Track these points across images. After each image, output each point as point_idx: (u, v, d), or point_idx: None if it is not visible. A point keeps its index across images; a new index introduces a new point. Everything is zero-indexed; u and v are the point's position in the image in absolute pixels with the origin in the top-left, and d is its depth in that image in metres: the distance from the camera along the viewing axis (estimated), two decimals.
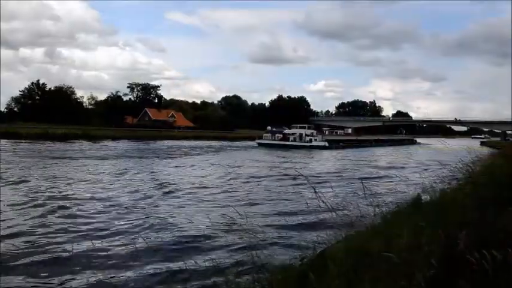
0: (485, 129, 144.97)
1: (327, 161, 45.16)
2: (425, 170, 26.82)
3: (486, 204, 5.69)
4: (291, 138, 71.87)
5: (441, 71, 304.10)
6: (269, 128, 77.99)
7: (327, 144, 70.51)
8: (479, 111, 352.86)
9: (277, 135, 73.06)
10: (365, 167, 38.68)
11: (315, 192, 6.12)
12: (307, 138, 71.43)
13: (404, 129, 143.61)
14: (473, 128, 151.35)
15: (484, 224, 4.66)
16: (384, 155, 58.00)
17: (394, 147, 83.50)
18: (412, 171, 31.81)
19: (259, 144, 70.20)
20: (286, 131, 74.80)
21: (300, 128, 75.82)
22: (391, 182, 24.26)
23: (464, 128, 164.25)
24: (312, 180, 26.35)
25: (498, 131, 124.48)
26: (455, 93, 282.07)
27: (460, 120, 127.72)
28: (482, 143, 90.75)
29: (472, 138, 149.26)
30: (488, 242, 3.82)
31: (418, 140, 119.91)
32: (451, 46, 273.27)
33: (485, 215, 5.06)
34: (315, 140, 71.72)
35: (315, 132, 76.11)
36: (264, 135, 74.43)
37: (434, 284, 3.28)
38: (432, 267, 3.41)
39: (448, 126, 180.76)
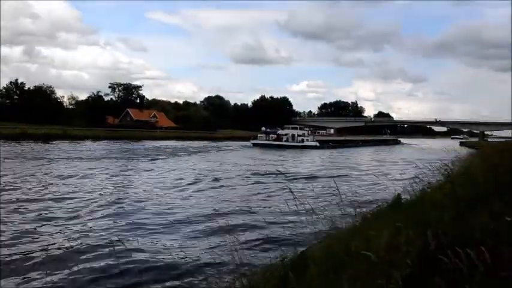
0: (464, 130, 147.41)
1: (317, 160, 46.32)
2: (408, 169, 27.21)
3: (464, 204, 5.79)
4: (284, 138, 74.79)
5: (422, 72, 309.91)
6: (263, 128, 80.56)
7: (317, 144, 73.78)
8: (459, 112, 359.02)
9: (271, 135, 75.92)
10: (352, 165, 39.97)
11: (291, 192, 6.16)
12: (299, 138, 74.61)
13: (389, 130, 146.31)
14: (453, 129, 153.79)
15: (461, 223, 4.74)
16: (370, 155, 60.29)
17: (379, 147, 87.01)
18: (396, 170, 32.53)
19: (254, 145, 72.27)
20: (280, 132, 77.39)
21: (292, 128, 79.49)
22: (375, 181, 24.53)
23: (444, 129, 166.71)
24: (300, 178, 27.07)
25: (477, 131, 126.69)
26: (436, 94, 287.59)
27: (440, 120, 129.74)
28: (461, 143, 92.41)
29: (452, 138, 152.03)
30: (465, 241, 3.89)
31: (402, 140, 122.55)
32: (431, 48, 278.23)
33: (463, 215, 5.15)
34: (307, 140, 74.98)
35: (306, 132, 79.62)
36: (259, 135, 76.76)
37: (411, 283, 3.33)
38: (409, 266, 3.46)
39: (428, 126, 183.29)
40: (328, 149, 71.80)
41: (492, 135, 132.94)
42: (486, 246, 3.39)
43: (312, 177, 27.94)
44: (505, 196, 6.10)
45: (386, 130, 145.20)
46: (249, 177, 26.88)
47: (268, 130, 79.17)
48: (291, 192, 6.29)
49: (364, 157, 54.89)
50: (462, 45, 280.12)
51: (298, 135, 75.33)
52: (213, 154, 50.28)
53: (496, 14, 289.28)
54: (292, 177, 27.65)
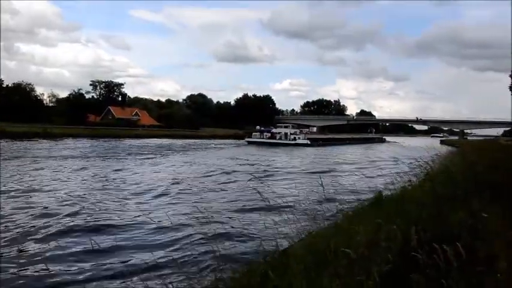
0: (444, 128, 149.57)
1: (308, 157, 47.33)
2: (392, 165, 27.70)
3: (443, 201, 5.88)
4: (278, 136, 79.31)
5: (403, 72, 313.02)
6: (258, 127, 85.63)
7: (308, 142, 77.27)
8: (440, 110, 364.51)
9: (265, 134, 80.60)
10: (340, 162, 41.22)
11: (259, 193, 6.15)
12: (292, 136, 79.02)
13: (374, 129, 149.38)
14: (433, 127, 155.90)
15: (441, 220, 4.81)
16: (358, 152, 62.37)
17: (366, 145, 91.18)
18: (381, 166, 33.34)
19: (249, 143, 75.86)
20: (274, 130, 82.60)
21: (285, 127, 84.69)
22: (360, 177, 24.84)
23: (425, 127, 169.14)
24: (288, 174, 27.46)
25: (457, 129, 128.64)
26: (417, 93, 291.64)
27: (421, 119, 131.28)
28: (442, 142, 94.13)
29: (432, 136, 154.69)
30: (443, 238, 3.94)
31: (386, 138, 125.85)
32: (412, 47, 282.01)
33: (442, 212, 5.22)
34: (299, 138, 78.99)
35: (298, 131, 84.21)
36: (253, 134, 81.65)
37: (390, 278, 3.36)
38: (389, 262, 3.49)
39: (410, 125, 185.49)
40: (319, 146, 74.78)
41: (472, 133, 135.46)
42: (463, 243, 3.44)
43: (299, 174, 28.44)
44: (483, 193, 6.22)
45: (371, 129, 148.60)
46: (238, 173, 26.98)
47: (262, 129, 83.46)
48: (260, 193, 6.29)
49: (352, 154, 56.20)
50: (443, 45, 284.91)
51: (291, 134, 79.68)
52: (210, 152, 51.51)
53: (476, 14, 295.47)
54: (280, 174, 28.26)
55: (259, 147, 66.48)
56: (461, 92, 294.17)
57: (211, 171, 28.20)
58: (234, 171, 28.07)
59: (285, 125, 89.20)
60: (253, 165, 34.92)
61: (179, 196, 17.96)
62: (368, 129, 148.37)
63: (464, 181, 7.38)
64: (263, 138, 78.69)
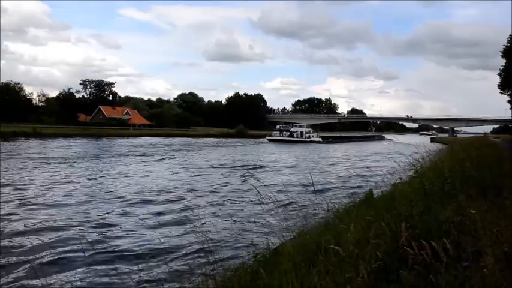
0: (434, 126, 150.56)
1: (319, 153, 52.49)
2: (386, 162, 28.13)
3: (432, 198, 5.94)
4: (295, 135, 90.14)
5: (393, 70, 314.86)
6: (278, 126, 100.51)
7: (321, 140, 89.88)
8: (429, 108, 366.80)
9: (284, 132, 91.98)
10: (344, 158, 44.60)
11: (258, 192, 6.18)
12: (307, 135, 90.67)
13: (374, 127, 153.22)
14: (423, 125, 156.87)
15: (429, 217, 4.86)
16: (361, 148, 69.16)
17: (368, 142, 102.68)
18: (376, 162, 34.23)
19: (270, 140, 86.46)
20: (292, 129, 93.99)
21: (299, 127, 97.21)
22: (355, 174, 25.05)
23: (415, 125, 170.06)
24: (287, 172, 27.92)
25: (447, 127, 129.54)
26: (407, 92, 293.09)
27: (411, 117, 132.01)
28: (432, 140, 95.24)
29: (420, 134, 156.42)
30: (432, 234, 3.99)
31: (385, 136, 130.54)
32: (402, 46, 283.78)
33: (431, 208, 5.28)
34: (312, 136, 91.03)
35: (311, 130, 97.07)
36: (273, 133, 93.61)
37: (379, 275, 3.39)
38: (378, 259, 3.53)
39: (400, 123, 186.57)
40: (328, 143, 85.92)
41: (461, 131, 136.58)
42: (452, 239, 3.49)
43: (302, 170, 28.94)
44: (470, 190, 6.30)
45: (371, 127, 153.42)
46: (236, 170, 27.33)
47: (281, 128, 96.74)
48: (258, 191, 6.33)
49: (357, 150, 60.92)
50: (432, 44, 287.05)
51: (306, 133, 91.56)
52: (238, 148, 58.31)
53: (465, 14, 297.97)
54: (279, 170, 29.32)
55: (280, 144, 76.28)
56: (451, 90, 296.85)
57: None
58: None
59: (299, 125, 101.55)
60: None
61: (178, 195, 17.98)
62: (368, 127, 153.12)
63: (452, 178, 7.44)
64: (282, 136, 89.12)
